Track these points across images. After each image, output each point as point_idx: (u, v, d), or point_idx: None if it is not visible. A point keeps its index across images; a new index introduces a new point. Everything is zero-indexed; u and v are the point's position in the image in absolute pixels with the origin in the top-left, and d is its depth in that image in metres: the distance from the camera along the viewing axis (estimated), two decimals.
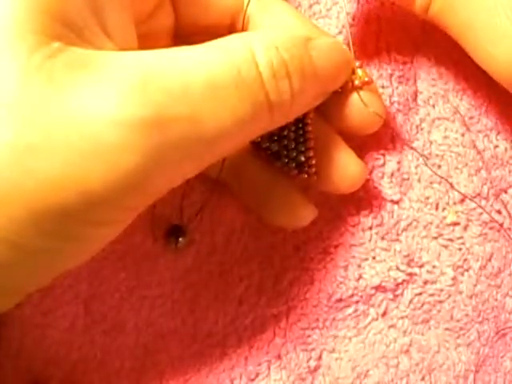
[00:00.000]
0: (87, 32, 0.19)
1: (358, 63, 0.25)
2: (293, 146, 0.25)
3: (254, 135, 0.22)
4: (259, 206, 0.26)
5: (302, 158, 0.25)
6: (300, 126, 0.25)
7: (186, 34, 0.26)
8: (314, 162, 0.25)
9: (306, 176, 0.25)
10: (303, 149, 0.25)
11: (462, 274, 0.27)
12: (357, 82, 0.25)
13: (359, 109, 0.25)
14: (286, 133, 0.25)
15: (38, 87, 0.17)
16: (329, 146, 0.25)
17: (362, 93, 0.25)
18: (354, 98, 0.25)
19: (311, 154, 0.25)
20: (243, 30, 0.25)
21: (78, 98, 0.17)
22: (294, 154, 0.25)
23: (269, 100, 0.20)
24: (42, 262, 0.19)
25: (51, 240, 0.18)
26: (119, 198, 0.18)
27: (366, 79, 0.25)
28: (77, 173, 0.17)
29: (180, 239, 0.27)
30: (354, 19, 0.28)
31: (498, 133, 0.29)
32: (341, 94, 0.25)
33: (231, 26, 0.26)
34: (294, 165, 0.25)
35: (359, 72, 0.25)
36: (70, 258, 0.20)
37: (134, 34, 0.22)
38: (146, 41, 0.23)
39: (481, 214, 0.27)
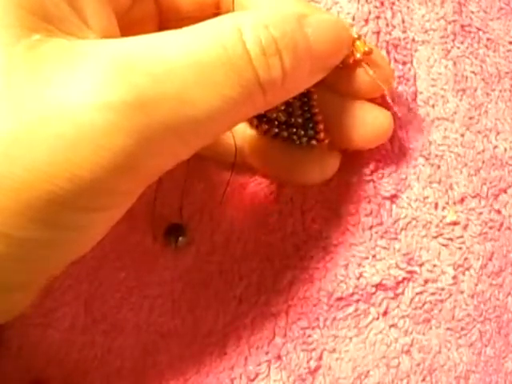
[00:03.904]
0: (67, 24, 0.19)
1: (356, 35, 0.24)
2: (303, 133, 0.26)
3: (248, 115, 0.21)
4: (285, 172, 0.27)
5: (314, 142, 0.26)
6: (305, 100, 0.25)
7: (170, 22, 0.25)
8: (323, 136, 0.26)
9: (315, 143, 0.26)
10: (309, 115, 0.25)
11: (463, 273, 0.27)
12: (358, 56, 0.24)
13: (364, 81, 0.25)
14: (293, 120, 0.26)
15: (21, 78, 0.17)
16: (345, 106, 0.25)
17: (365, 65, 0.24)
18: (359, 71, 0.25)
19: (322, 135, 0.26)
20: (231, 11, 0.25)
21: (63, 85, 0.18)
22: (305, 140, 0.26)
23: (258, 78, 0.20)
24: (41, 253, 0.19)
25: (45, 229, 0.18)
26: (109, 182, 0.18)
27: (366, 49, 0.24)
28: (64, 159, 0.17)
29: (180, 238, 0.27)
30: (353, 19, 0.28)
31: (498, 133, 0.29)
32: (342, 69, 0.24)
33: (216, 9, 0.26)
34: (302, 133, 0.26)
35: (358, 44, 0.24)
36: (71, 246, 0.20)
37: (115, 24, 0.22)
38: (131, 31, 0.23)
39: (480, 213, 0.27)
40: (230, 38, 0.19)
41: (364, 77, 0.25)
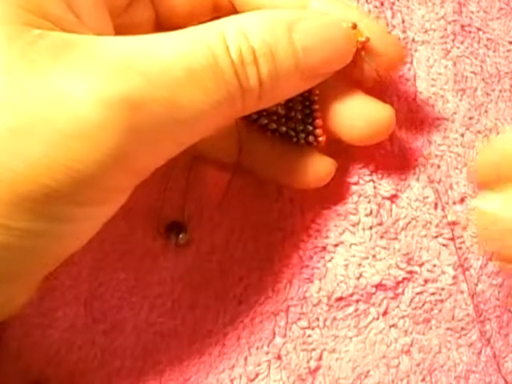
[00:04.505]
0: (65, 22, 0.20)
1: (350, 24, 0.24)
2: (301, 128, 0.26)
3: (230, 118, 0.22)
4: (282, 176, 0.27)
5: (311, 139, 0.26)
6: (306, 94, 0.25)
7: (168, 24, 0.26)
8: (321, 133, 0.26)
9: (312, 140, 0.26)
10: (308, 111, 0.26)
11: (463, 273, 0.27)
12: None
13: (362, 70, 0.25)
14: (293, 114, 0.26)
15: (20, 73, 0.18)
16: (347, 99, 0.25)
17: (363, 54, 0.24)
18: (357, 59, 0.24)
19: (320, 132, 0.26)
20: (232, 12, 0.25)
21: (61, 80, 0.18)
22: (303, 136, 0.26)
23: (241, 85, 0.21)
24: (37, 245, 0.19)
25: (41, 221, 0.19)
26: (104, 177, 0.19)
27: (363, 39, 0.24)
28: (61, 153, 0.18)
29: (180, 236, 0.27)
30: None
31: (498, 133, 0.29)
32: None
33: (214, 10, 0.26)
34: (303, 142, 0.26)
35: (353, 33, 0.24)
36: (66, 240, 0.20)
37: (109, 24, 0.23)
38: (127, 32, 0.23)
39: None
40: (216, 45, 0.20)
41: (363, 65, 0.24)
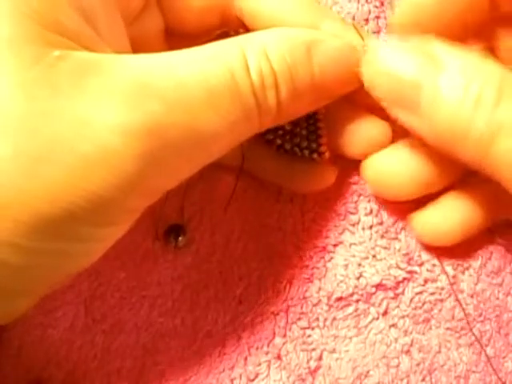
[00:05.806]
0: (83, 38, 0.20)
1: (364, 48, 0.23)
2: (305, 145, 0.26)
3: (245, 136, 0.22)
4: (283, 181, 0.27)
5: (315, 155, 0.26)
6: (311, 121, 0.26)
7: (177, 34, 0.26)
8: (325, 149, 0.26)
9: (316, 156, 0.26)
10: (313, 128, 0.26)
11: (463, 273, 0.27)
12: None
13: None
14: (298, 130, 0.26)
15: (42, 98, 0.18)
16: (346, 115, 0.26)
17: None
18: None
19: (324, 149, 0.26)
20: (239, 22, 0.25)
21: (82, 106, 0.18)
22: (307, 153, 0.26)
23: (259, 106, 0.21)
24: (50, 264, 0.20)
25: (57, 242, 0.19)
26: (121, 199, 0.19)
27: None
28: (81, 177, 0.18)
29: (180, 238, 0.27)
30: (354, 19, 0.28)
31: None
32: None
33: (222, 23, 0.26)
34: (305, 145, 0.26)
35: None
36: (78, 258, 0.20)
37: (126, 38, 0.23)
38: (137, 42, 0.23)
39: None
40: (237, 66, 0.20)
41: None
